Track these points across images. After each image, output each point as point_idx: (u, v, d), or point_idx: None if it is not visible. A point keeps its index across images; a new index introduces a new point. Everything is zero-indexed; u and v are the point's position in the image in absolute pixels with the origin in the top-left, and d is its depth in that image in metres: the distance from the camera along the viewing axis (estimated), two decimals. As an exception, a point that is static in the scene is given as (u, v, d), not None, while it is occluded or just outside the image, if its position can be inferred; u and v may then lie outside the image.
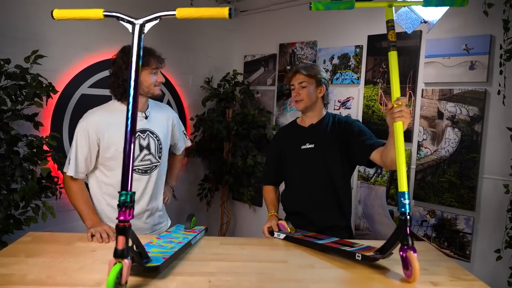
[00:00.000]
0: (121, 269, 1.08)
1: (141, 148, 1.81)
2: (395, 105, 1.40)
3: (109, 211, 1.79)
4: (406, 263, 1.27)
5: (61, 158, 2.29)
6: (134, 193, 1.15)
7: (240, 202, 3.85)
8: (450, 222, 2.49)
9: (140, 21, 1.17)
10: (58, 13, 1.23)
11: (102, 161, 1.77)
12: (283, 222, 1.77)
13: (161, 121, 1.91)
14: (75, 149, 1.72)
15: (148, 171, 1.84)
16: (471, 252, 2.41)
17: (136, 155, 1.79)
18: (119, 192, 1.13)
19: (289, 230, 1.73)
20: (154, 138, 1.85)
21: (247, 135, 3.48)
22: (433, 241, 2.55)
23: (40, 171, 2.17)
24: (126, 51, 1.75)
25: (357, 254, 1.40)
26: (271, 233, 1.76)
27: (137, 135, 1.79)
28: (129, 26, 1.18)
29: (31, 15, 2.49)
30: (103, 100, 2.87)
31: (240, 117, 3.49)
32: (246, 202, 3.66)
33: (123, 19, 1.18)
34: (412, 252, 1.25)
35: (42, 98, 2.21)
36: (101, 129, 1.72)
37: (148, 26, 1.18)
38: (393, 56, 1.42)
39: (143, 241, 1.33)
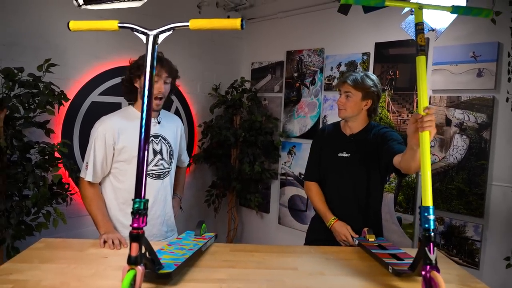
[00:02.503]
0: (134, 276, 1.10)
1: (155, 153, 1.85)
2: (424, 114, 1.31)
3: (121, 216, 1.82)
4: (429, 284, 1.17)
5: (72, 165, 2.32)
6: (147, 200, 1.16)
7: (247, 208, 3.86)
8: (459, 229, 2.48)
9: (154, 32, 1.19)
10: (74, 25, 1.26)
11: (116, 165, 1.80)
12: (365, 230, 1.80)
13: (172, 128, 1.96)
14: (92, 154, 1.75)
15: (161, 176, 1.87)
16: (480, 259, 2.40)
17: (150, 159, 1.83)
18: (133, 199, 1.15)
19: (368, 238, 1.75)
20: (166, 144, 1.89)
21: (254, 141, 3.50)
22: (442, 248, 2.54)
23: (52, 178, 2.20)
24: (140, 56, 1.83)
25: (390, 266, 1.39)
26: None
27: (150, 139, 1.82)
28: (143, 37, 1.20)
29: (43, 25, 2.54)
30: (113, 107, 2.94)
31: (248, 123, 3.51)
32: (254, 208, 3.67)
33: (137, 30, 1.21)
34: (436, 272, 1.15)
35: (54, 105, 2.24)
36: (116, 133, 1.76)
37: (161, 37, 1.21)
38: (421, 61, 1.34)
39: (154, 248, 1.35)
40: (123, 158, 1.79)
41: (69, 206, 2.42)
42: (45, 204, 2.15)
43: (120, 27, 1.23)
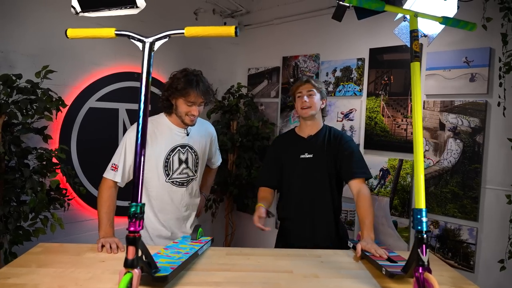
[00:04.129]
0: (131, 279, 1.12)
1: (180, 162, 1.92)
2: None
3: (147, 222, 1.92)
4: (422, 285, 1.20)
5: (69, 171, 2.34)
6: (144, 204, 1.18)
7: (244, 213, 3.87)
8: (454, 233, 2.50)
9: (150, 39, 1.22)
10: (71, 32, 1.28)
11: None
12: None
13: (200, 137, 2.02)
14: (123, 158, 1.81)
15: (185, 184, 1.94)
16: (475, 262, 2.42)
17: (175, 168, 1.90)
18: (129, 203, 1.17)
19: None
20: (193, 153, 1.96)
21: (251, 146, 3.52)
22: (437, 251, 2.56)
23: (49, 183, 2.22)
24: (175, 77, 1.87)
25: (383, 268, 1.42)
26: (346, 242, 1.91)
27: (177, 149, 1.91)
28: (139, 44, 1.23)
29: (41, 32, 2.56)
30: (110, 113, 2.97)
31: (245, 129, 3.54)
32: (251, 213, 3.67)
33: (133, 38, 1.24)
34: (428, 273, 1.19)
35: (52, 112, 2.26)
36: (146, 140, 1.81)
37: (158, 44, 1.23)
38: (416, 67, 1.37)
39: (151, 252, 1.37)
40: (148, 166, 1.83)
41: (66, 212, 2.43)
42: (42, 210, 2.16)
43: (117, 34, 1.26)
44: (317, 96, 2.03)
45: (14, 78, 2.14)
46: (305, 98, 2.02)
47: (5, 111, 2.09)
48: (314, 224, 2.00)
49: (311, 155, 2.03)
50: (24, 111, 2.17)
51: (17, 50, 2.48)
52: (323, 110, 2.11)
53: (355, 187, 1.91)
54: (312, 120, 2.06)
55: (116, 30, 1.26)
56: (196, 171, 1.99)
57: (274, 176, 2.09)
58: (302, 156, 2.04)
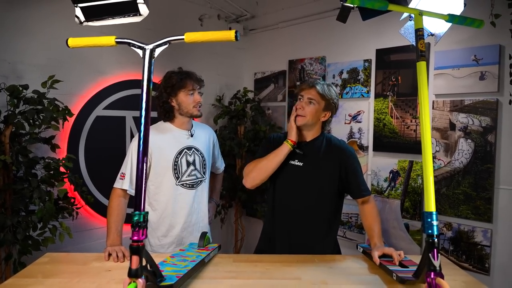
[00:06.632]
0: (135, 289, 1.10)
1: (188, 164, 1.93)
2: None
3: (157, 229, 1.94)
4: None
5: (77, 179, 2.34)
6: (147, 213, 1.17)
7: (254, 218, 3.85)
8: (468, 235, 2.45)
9: (150, 46, 1.21)
10: (72, 41, 1.28)
11: (151, 177, 1.89)
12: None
13: (204, 139, 2.05)
14: (130, 165, 1.83)
15: (195, 186, 1.96)
16: (491, 265, 2.36)
17: (183, 170, 1.92)
18: (132, 212, 1.16)
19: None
20: (199, 155, 1.98)
21: (259, 151, 3.50)
22: (451, 254, 2.50)
23: (57, 193, 2.22)
24: (167, 77, 1.93)
25: (394, 273, 1.39)
26: (356, 246, 1.84)
27: (184, 151, 1.93)
28: (140, 51, 1.22)
29: (47, 42, 2.58)
30: (117, 121, 2.98)
31: (252, 133, 3.52)
32: (260, 218, 3.65)
33: (134, 45, 1.23)
34: (440, 279, 1.16)
35: (59, 121, 2.27)
36: (151, 146, 1.81)
37: (158, 51, 1.22)
38: (422, 67, 1.36)
39: (157, 260, 1.35)
40: (157, 170, 1.88)
41: (75, 220, 2.43)
42: (51, 219, 2.17)
43: (117, 42, 1.25)
44: (318, 106, 1.80)
45: (20, 88, 2.16)
46: (303, 104, 1.80)
47: (12, 122, 2.11)
48: (297, 235, 1.84)
49: (301, 163, 1.83)
50: (31, 121, 2.18)
51: (25, 61, 2.50)
52: (324, 123, 1.88)
53: (361, 202, 1.83)
54: (306, 130, 1.86)
55: (116, 38, 1.25)
56: (204, 173, 2.00)
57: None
58: (292, 162, 1.84)
